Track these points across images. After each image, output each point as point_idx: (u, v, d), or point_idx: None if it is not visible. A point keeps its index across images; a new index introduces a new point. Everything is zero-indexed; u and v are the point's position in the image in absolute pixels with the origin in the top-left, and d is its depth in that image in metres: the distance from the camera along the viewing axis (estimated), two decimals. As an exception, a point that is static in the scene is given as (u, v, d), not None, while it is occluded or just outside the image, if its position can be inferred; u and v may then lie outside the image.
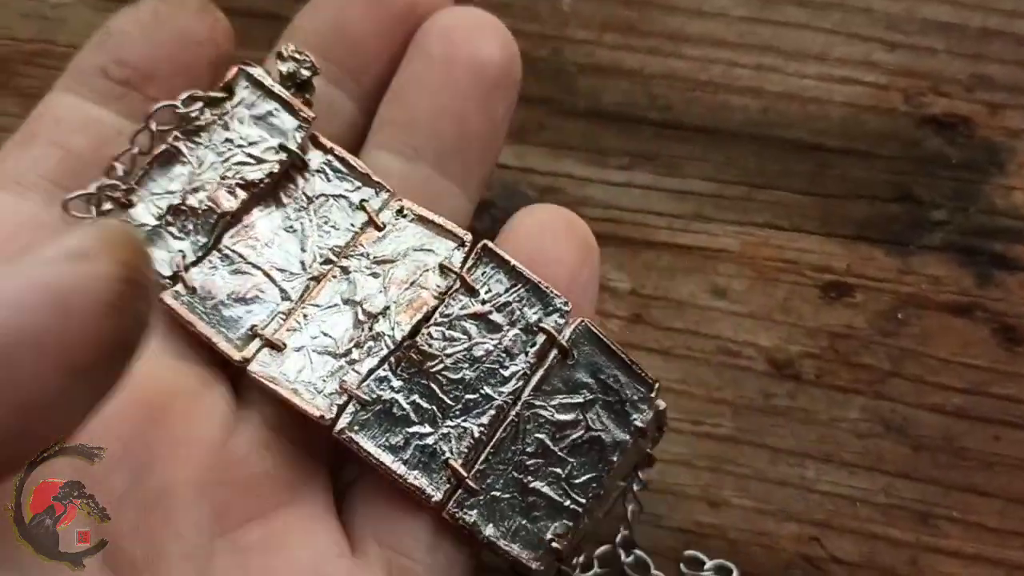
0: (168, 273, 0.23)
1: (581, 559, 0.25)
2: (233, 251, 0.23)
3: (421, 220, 0.24)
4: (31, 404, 0.16)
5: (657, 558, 0.27)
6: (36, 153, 0.23)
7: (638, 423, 0.23)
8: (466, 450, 0.22)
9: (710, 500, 0.28)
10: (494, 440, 0.22)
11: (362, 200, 0.24)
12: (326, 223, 0.24)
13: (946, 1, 0.32)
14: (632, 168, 0.31)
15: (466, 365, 0.22)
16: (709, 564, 0.27)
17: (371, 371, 0.22)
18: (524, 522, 0.22)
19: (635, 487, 0.25)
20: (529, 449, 0.22)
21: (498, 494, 0.22)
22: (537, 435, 0.22)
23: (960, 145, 0.31)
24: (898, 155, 0.31)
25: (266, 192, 0.24)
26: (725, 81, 0.32)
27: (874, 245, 0.30)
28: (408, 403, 0.22)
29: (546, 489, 0.22)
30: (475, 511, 0.22)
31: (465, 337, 0.23)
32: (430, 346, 0.22)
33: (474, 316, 0.23)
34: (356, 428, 0.22)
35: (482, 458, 0.22)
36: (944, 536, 0.28)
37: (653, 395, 0.23)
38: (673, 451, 0.28)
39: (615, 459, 0.23)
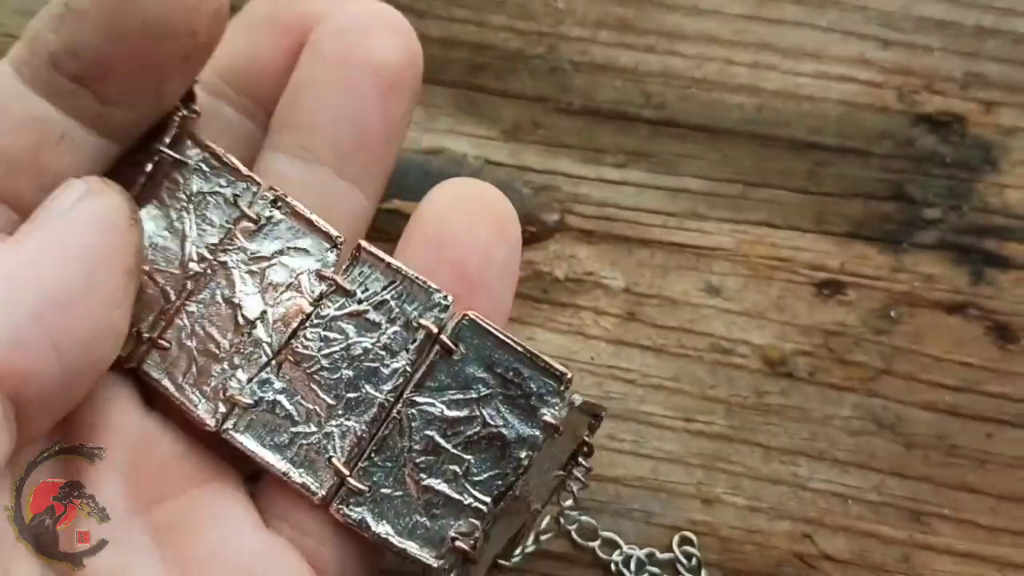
0: None
1: (521, 552, 0.25)
2: None
3: (295, 215, 0.23)
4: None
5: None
6: None
7: (547, 418, 0.22)
8: (349, 447, 0.22)
9: (703, 498, 0.28)
10: (375, 437, 0.22)
11: (235, 195, 0.23)
12: (203, 221, 0.23)
13: (941, -1, 0.32)
14: (627, 166, 0.31)
15: (344, 364, 0.23)
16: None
17: (251, 379, 0.23)
18: (423, 520, 0.22)
19: (576, 475, 0.25)
20: (418, 447, 0.22)
21: (388, 491, 0.22)
22: (426, 432, 0.22)
23: (954, 143, 0.31)
24: (892, 153, 0.31)
25: (150, 193, 0.24)
26: (721, 79, 0.32)
27: (868, 243, 0.30)
28: (291, 403, 0.23)
29: (443, 487, 0.22)
30: (362, 508, 0.22)
31: (342, 337, 0.23)
32: (307, 348, 0.23)
33: (351, 315, 0.23)
34: (241, 428, 0.23)
35: (364, 455, 0.22)
36: (936, 533, 0.28)
37: (563, 388, 0.22)
38: (666, 449, 0.28)
39: (523, 455, 0.22)
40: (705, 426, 0.29)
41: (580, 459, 0.25)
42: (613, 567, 0.27)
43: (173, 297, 0.23)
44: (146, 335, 0.23)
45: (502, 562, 0.24)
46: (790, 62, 0.32)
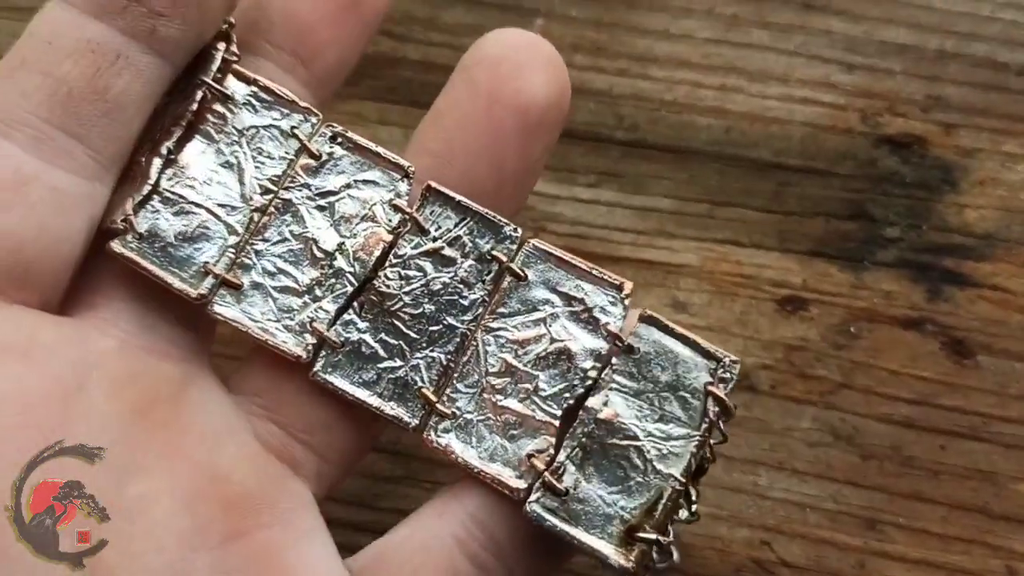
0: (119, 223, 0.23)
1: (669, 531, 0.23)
2: (173, 193, 0.23)
3: (358, 148, 0.24)
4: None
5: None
6: (24, 84, 0.22)
7: (610, 327, 0.23)
8: (436, 377, 0.23)
9: (667, 505, 0.29)
10: (459, 365, 0.23)
11: (292, 127, 0.24)
12: (260, 154, 0.24)
13: (904, 24, 0.33)
14: (599, 186, 0.32)
15: (426, 300, 0.23)
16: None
17: (339, 311, 0.23)
18: (502, 441, 0.23)
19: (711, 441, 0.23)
20: (494, 369, 0.23)
21: (471, 416, 0.23)
22: (500, 355, 0.23)
23: (915, 164, 0.32)
24: (854, 174, 0.32)
25: (196, 130, 0.24)
26: (690, 101, 0.33)
27: (829, 261, 0.31)
28: (376, 341, 0.23)
29: (517, 405, 0.23)
30: (450, 434, 0.23)
31: (421, 274, 0.24)
32: (388, 287, 0.23)
33: (427, 254, 0.24)
34: (329, 370, 0.23)
35: (449, 384, 0.23)
36: (890, 541, 0.29)
37: (623, 295, 0.23)
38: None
39: (588, 366, 0.23)
40: (670, 437, 0.30)
41: (719, 421, 0.23)
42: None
43: (240, 230, 0.23)
44: (215, 271, 0.23)
45: (642, 535, 0.22)
46: (757, 85, 0.33)
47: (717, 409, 0.23)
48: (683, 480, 0.23)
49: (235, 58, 0.24)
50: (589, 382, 0.23)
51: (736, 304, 0.31)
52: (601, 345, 0.23)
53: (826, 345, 0.31)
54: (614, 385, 0.23)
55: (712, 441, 0.23)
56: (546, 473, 0.22)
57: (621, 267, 0.31)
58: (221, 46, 0.24)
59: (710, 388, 0.23)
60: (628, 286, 0.24)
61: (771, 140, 0.33)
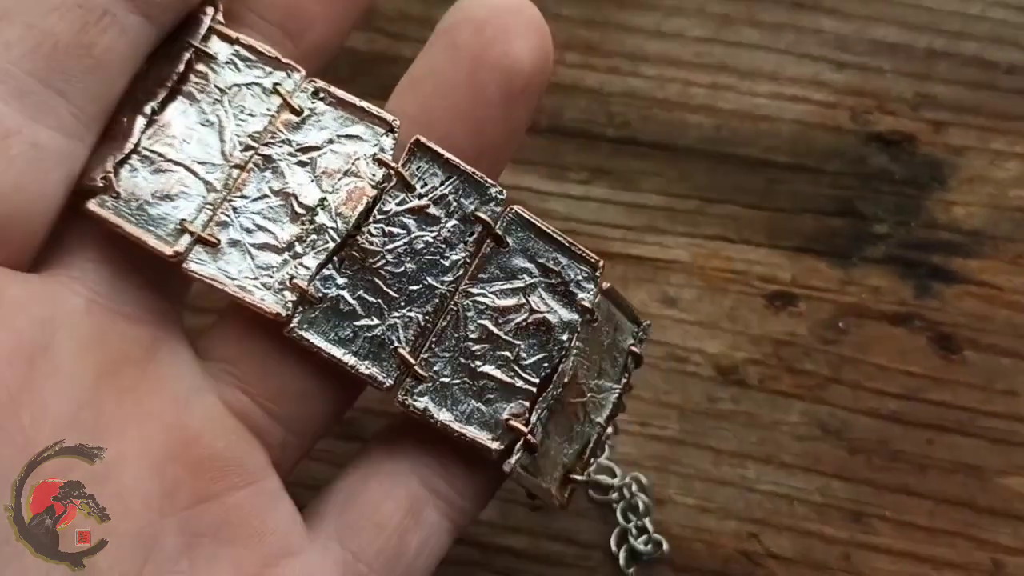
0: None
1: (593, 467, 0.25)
2: (152, 151, 0.23)
3: (341, 103, 0.23)
4: None
5: (600, 552, 0.28)
6: (7, 35, 0.21)
7: (584, 302, 0.24)
8: (412, 338, 0.23)
9: (656, 498, 0.30)
10: (436, 328, 0.23)
11: (275, 83, 0.23)
12: (242, 111, 0.23)
13: (894, 23, 0.34)
14: (590, 182, 0.33)
15: (407, 258, 0.23)
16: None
17: (320, 266, 0.23)
18: (478, 405, 0.23)
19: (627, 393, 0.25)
20: (473, 335, 0.23)
21: (447, 380, 0.23)
22: (480, 321, 0.23)
23: (904, 162, 0.33)
24: (844, 171, 0.32)
25: (179, 90, 0.23)
26: (681, 99, 0.33)
27: (818, 257, 0.32)
28: (354, 298, 0.23)
29: (496, 372, 0.23)
30: (426, 397, 0.23)
31: (404, 232, 0.23)
32: (371, 243, 0.23)
33: (412, 211, 0.23)
34: (305, 326, 0.23)
35: (427, 346, 0.23)
36: (876, 534, 0.29)
37: (597, 274, 0.24)
38: (621, 451, 0.30)
39: (564, 338, 0.23)
40: (659, 430, 0.30)
41: (629, 372, 0.25)
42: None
43: (219, 187, 0.23)
44: (191, 229, 0.22)
45: (575, 476, 0.24)
46: (747, 83, 0.33)
47: (633, 365, 0.25)
48: (604, 426, 0.25)
49: (220, 25, 0.24)
50: (563, 352, 0.24)
51: (726, 299, 0.31)
52: (575, 318, 0.24)
53: (815, 340, 0.31)
54: (575, 350, 0.24)
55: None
56: (528, 435, 0.23)
57: (612, 262, 0.32)
58: (209, 11, 0.23)
59: (632, 348, 0.25)
60: (601, 264, 0.24)
61: (761, 137, 0.33)
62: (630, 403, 0.30)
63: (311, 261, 0.23)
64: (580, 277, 0.24)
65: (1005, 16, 0.34)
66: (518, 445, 0.23)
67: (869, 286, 0.31)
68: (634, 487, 0.29)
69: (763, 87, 0.33)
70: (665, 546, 0.29)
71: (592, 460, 0.25)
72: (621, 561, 0.29)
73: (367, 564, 0.23)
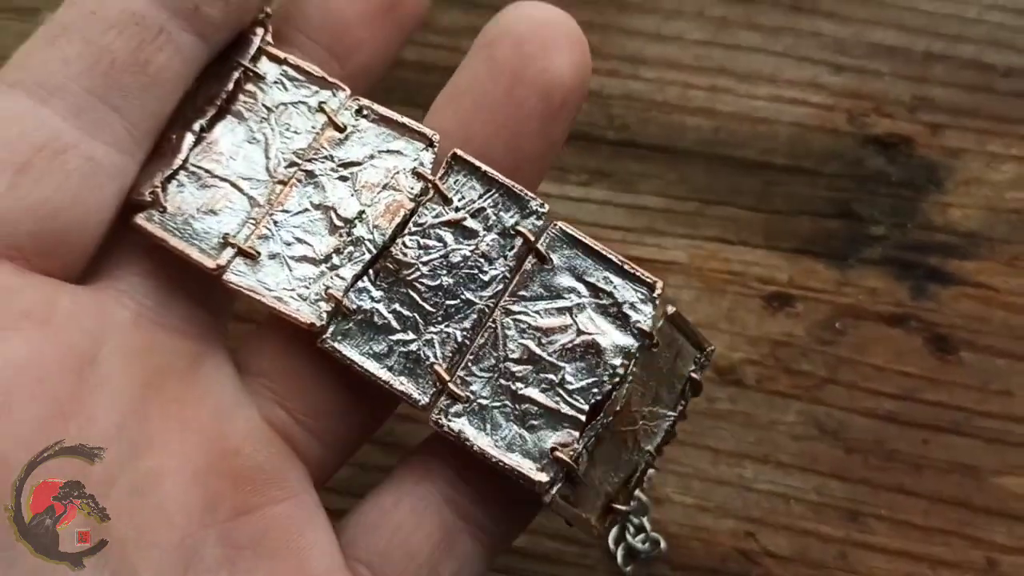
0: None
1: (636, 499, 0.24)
2: (199, 167, 0.23)
3: (383, 120, 0.24)
4: None
5: (598, 551, 0.29)
6: (67, 51, 0.21)
7: (642, 325, 0.22)
8: (450, 355, 0.22)
9: (653, 497, 0.30)
10: (475, 346, 0.22)
11: (320, 102, 0.24)
12: (287, 129, 0.24)
13: (892, 26, 0.34)
14: (590, 184, 0.33)
15: (444, 272, 0.23)
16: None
17: (356, 277, 0.23)
18: (520, 431, 0.22)
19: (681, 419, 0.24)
20: (514, 355, 0.22)
21: (486, 401, 0.22)
22: (521, 340, 0.22)
23: (901, 164, 0.33)
24: (841, 173, 0.33)
25: (228, 109, 0.24)
26: (680, 102, 0.34)
27: (815, 259, 0.32)
28: (389, 312, 0.23)
29: (539, 396, 0.22)
30: (463, 419, 0.22)
31: (440, 244, 0.23)
32: (405, 255, 0.23)
33: (448, 224, 0.23)
34: (339, 338, 0.22)
35: (463, 364, 0.22)
36: (872, 533, 0.30)
37: (654, 296, 0.23)
38: (620, 451, 0.30)
39: (618, 363, 0.22)
40: (657, 430, 0.31)
41: (686, 400, 0.24)
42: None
43: (262, 202, 0.23)
44: (234, 242, 0.23)
45: (617, 506, 0.23)
46: (746, 86, 0.34)
47: (691, 392, 0.24)
48: (654, 454, 0.23)
49: (269, 46, 0.24)
50: (617, 379, 0.22)
51: (724, 300, 0.32)
52: (631, 343, 0.22)
53: (812, 341, 0.31)
54: (631, 377, 0.23)
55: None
56: (573, 466, 0.22)
57: (611, 264, 0.32)
58: (259, 31, 0.24)
59: (692, 375, 0.24)
60: (660, 285, 0.23)
61: (759, 140, 0.33)
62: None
63: (347, 272, 0.23)
64: (635, 298, 0.23)
65: (1002, 19, 0.34)
66: (560, 475, 0.22)
67: (866, 287, 0.32)
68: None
69: (761, 90, 0.34)
70: (663, 544, 0.29)
71: (636, 489, 0.23)
72: (619, 559, 0.29)
73: None
